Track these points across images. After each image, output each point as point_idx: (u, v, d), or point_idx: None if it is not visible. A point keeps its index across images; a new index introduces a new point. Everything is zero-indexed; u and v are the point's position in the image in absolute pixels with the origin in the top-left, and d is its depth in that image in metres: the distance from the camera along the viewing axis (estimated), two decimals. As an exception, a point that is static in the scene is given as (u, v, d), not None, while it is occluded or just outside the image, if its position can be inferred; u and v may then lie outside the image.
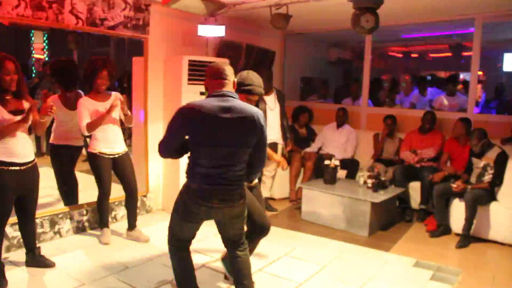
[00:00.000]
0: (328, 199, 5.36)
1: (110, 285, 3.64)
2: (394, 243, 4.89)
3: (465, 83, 8.07)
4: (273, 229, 5.11)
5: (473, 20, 6.07)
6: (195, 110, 2.71)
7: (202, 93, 5.35)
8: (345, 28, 5.39)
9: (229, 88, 2.84)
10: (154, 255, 4.27)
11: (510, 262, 4.55)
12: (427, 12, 5.99)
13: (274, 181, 6.15)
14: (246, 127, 2.74)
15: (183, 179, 5.23)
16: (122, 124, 4.58)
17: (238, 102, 2.77)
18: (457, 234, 5.05)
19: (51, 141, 4.78)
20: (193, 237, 3.21)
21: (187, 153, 2.94)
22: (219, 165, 2.79)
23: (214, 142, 2.75)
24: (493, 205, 4.95)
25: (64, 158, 4.80)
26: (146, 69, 5.32)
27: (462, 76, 9.56)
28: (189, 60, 5.25)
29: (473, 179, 5.14)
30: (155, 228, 5.05)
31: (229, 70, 2.87)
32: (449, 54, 9.70)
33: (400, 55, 11.36)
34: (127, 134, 5.64)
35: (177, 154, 2.98)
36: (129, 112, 4.51)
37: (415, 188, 5.79)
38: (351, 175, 6.23)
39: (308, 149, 6.68)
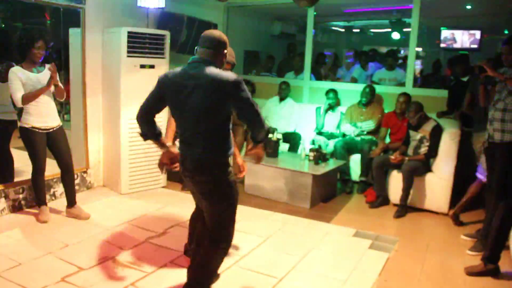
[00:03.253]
0: (271, 172, 5.38)
1: (49, 264, 3.52)
2: (335, 214, 5.00)
3: (406, 58, 8.26)
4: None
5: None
6: (166, 77, 2.77)
7: (142, 66, 5.20)
8: (286, 1, 5.37)
9: (206, 55, 2.75)
10: (96, 232, 4.16)
11: (443, 230, 4.75)
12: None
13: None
14: (209, 92, 2.63)
15: (125, 154, 5.16)
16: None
17: (206, 68, 2.66)
18: (395, 205, 5.23)
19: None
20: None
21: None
22: (190, 132, 2.73)
23: (180, 108, 2.72)
24: (428, 176, 5.13)
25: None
26: (83, 41, 5.09)
27: (403, 51, 9.78)
28: (128, 32, 5.05)
29: (410, 151, 5.29)
30: (97, 204, 4.94)
31: (211, 39, 2.77)
32: (390, 29, 9.88)
33: (343, 30, 11.49)
34: (66, 108, 5.43)
35: (145, 116, 2.89)
36: (60, 84, 4.27)
37: (355, 161, 5.92)
38: (294, 148, 6.28)
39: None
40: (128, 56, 5.09)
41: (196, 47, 2.85)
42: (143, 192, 5.39)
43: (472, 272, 3.70)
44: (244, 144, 6.38)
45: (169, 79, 2.75)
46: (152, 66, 5.28)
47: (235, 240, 4.06)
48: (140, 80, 5.16)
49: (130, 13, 5.59)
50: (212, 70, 2.66)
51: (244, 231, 4.37)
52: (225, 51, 2.85)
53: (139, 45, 5.14)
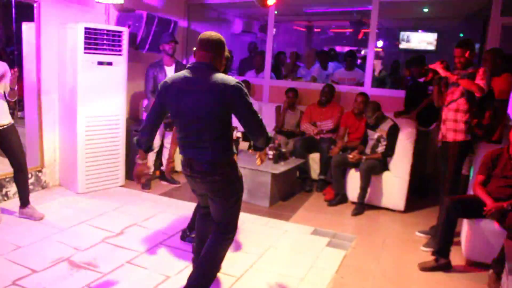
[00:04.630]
0: (230, 171, 5.36)
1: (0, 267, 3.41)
2: (294, 213, 5.04)
3: (365, 59, 8.40)
4: (174, 202, 5.13)
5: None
6: (166, 83, 2.79)
7: (100, 63, 5.10)
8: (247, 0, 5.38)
9: (207, 59, 2.77)
10: (50, 233, 4.04)
11: (399, 227, 4.87)
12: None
13: (177, 153, 6.05)
14: (213, 97, 2.64)
15: (81, 152, 5.05)
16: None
17: (208, 73, 2.70)
18: (353, 202, 5.31)
19: None
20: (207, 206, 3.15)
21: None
22: (190, 136, 2.79)
23: (183, 113, 2.74)
24: (385, 175, 5.23)
25: None
26: (38, 36, 4.94)
27: (363, 52, 9.94)
28: (86, 28, 4.94)
29: (368, 150, 5.38)
30: (52, 204, 4.81)
31: (210, 42, 2.79)
32: (350, 30, 10.02)
33: (304, 30, 11.58)
34: (19, 105, 5.28)
35: (150, 127, 2.93)
36: (15, 87, 4.13)
37: (315, 159, 5.98)
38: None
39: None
40: (85, 53, 4.98)
41: (194, 49, 2.86)
42: (101, 191, 5.29)
43: (425, 268, 3.80)
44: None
45: (170, 85, 2.76)
46: (109, 63, 5.19)
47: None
48: (97, 77, 5.08)
49: (87, 9, 5.47)
50: (215, 74, 2.70)
51: (203, 230, 4.36)
52: (225, 52, 2.91)
53: (97, 41, 5.04)
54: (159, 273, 3.45)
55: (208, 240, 3.02)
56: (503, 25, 5.72)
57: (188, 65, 2.81)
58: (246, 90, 2.70)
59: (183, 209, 4.89)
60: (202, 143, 2.76)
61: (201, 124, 2.71)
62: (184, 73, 2.76)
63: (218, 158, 2.79)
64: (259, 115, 2.80)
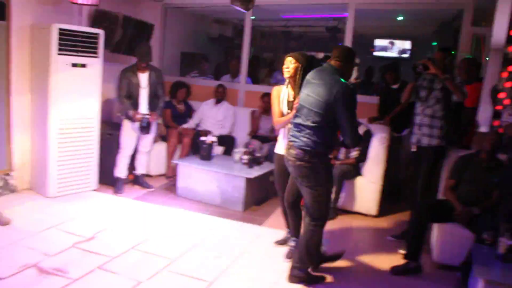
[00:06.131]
0: (204, 175, 5.36)
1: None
2: (267, 217, 5.05)
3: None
4: (148, 206, 5.08)
5: (346, 5, 6.37)
6: None
7: (74, 65, 5.04)
8: (224, 4, 5.39)
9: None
10: (18, 238, 3.94)
11: (372, 231, 4.94)
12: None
13: (151, 157, 6.01)
14: None
15: (53, 155, 4.97)
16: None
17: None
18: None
19: None
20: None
21: None
22: None
23: None
24: (358, 180, 5.28)
25: None
26: (9, 36, 4.84)
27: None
28: (60, 29, 4.87)
29: (341, 155, 5.41)
30: (20, 208, 4.70)
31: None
32: (326, 36, 10.10)
33: (281, 34, 11.64)
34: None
35: None
36: None
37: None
38: (228, 152, 6.29)
39: (185, 125, 6.58)
40: (59, 54, 4.91)
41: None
42: (73, 195, 5.20)
43: (396, 271, 3.86)
44: (178, 146, 6.32)
45: None
46: (84, 65, 5.13)
47: (165, 244, 4.05)
48: (71, 79, 5.01)
49: (62, 9, 5.39)
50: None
51: (175, 234, 4.34)
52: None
53: (71, 43, 4.97)
54: (130, 278, 3.41)
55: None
56: (474, 35, 5.85)
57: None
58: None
59: (156, 213, 4.86)
60: None
61: None
62: None
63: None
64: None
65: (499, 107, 4.52)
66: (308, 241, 3.47)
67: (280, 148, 3.98)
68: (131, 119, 5.32)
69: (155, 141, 5.90)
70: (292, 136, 3.42)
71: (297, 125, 3.40)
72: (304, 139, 3.30)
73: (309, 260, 3.51)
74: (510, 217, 3.46)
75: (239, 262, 3.86)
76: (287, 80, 3.86)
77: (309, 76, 3.45)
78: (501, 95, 4.50)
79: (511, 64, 4.47)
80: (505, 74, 4.50)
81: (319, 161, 3.33)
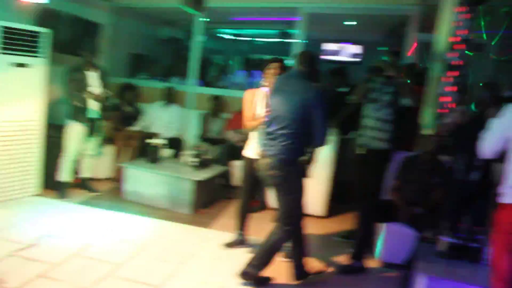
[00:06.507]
0: (151, 178, 5.29)
1: None
2: (215, 220, 5.03)
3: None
4: (92, 211, 4.96)
5: (296, 9, 6.45)
6: None
7: (20, 65, 4.85)
8: (174, 6, 5.37)
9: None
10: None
11: (320, 232, 5.00)
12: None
13: (98, 160, 5.87)
14: None
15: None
16: None
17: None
18: (274, 209, 5.35)
19: None
20: None
21: None
22: None
23: None
24: (306, 182, 5.31)
25: None
26: None
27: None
28: (5, 27, 4.68)
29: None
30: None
31: None
32: (277, 39, 10.20)
33: (232, 37, 11.65)
34: None
35: None
36: None
37: (237, 166, 5.99)
38: (177, 154, 6.23)
39: (133, 128, 6.49)
40: (4, 53, 4.72)
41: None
42: (12, 201, 4.97)
43: (342, 270, 3.94)
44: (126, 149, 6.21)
45: None
46: (28, 65, 4.95)
47: (110, 249, 3.97)
48: (13, 80, 4.81)
49: (7, 7, 5.21)
50: None
51: (121, 239, 4.26)
52: None
53: (16, 42, 4.78)
54: (74, 285, 3.32)
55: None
56: (418, 41, 6.05)
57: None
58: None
59: (102, 219, 4.75)
60: None
61: None
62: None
63: None
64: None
65: (442, 110, 4.70)
66: (275, 245, 3.52)
67: (250, 151, 4.03)
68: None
69: (101, 144, 5.76)
70: (265, 145, 3.44)
71: (270, 133, 3.42)
72: (278, 147, 3.34)
73: (266, 262, 3.53)
74: (450, 216, 3.59)
75: (187, 265, 3.83)
76: (266, 83, 3.89)
77: (277, 83, 3.49)
78: (443, 99, 4.67)
79: (452, 70, 4.67)
80: (446, 79, 4.69)
81: (293, 168, 3.39)
